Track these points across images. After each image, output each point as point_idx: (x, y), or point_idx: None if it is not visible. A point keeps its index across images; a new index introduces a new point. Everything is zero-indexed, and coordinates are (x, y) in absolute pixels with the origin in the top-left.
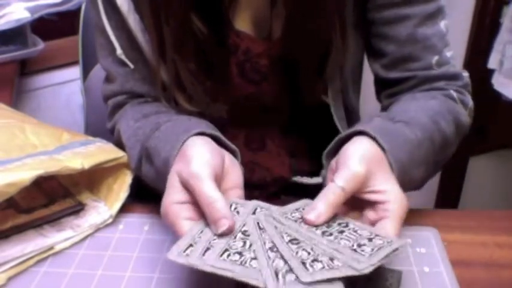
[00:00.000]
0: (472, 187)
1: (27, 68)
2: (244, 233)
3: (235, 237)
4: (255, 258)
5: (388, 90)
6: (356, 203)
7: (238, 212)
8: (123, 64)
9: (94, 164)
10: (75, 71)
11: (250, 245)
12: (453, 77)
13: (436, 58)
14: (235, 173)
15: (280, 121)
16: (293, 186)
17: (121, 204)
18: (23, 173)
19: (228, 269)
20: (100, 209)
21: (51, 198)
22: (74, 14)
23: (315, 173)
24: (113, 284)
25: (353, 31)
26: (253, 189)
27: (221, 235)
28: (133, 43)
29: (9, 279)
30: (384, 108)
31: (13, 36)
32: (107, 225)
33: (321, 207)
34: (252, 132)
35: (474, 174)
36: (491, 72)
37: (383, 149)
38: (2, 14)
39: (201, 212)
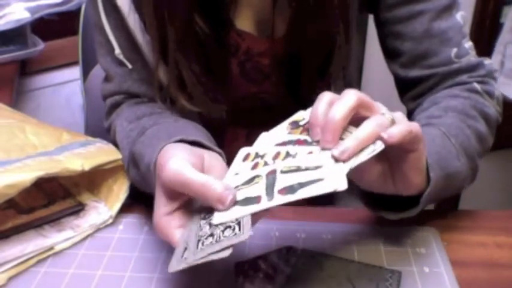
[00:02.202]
0: (472, 187)
1: (27, 68)
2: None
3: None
4: (224, 229)
5: (411, 91)
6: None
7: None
8: (121, 64)
9: (94, 165)
10: (75, 71)
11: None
12: (475, 67)
13: (455, 51)
14: (217, 171)
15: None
16: None
17: (121, 205)
18: (23, 175)
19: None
20: (100, 210)
21: (51, 198)
22: (74, 14)
23: None
24: (113, 284)
25: (356, 32)
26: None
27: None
28: (132, 43)
29: (10, 279)
30: (409, 113)
31: (13, 36)
32: (107, 226)
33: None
34: (253, 132)
35: None
36: None
37: None
38: (2, 14)
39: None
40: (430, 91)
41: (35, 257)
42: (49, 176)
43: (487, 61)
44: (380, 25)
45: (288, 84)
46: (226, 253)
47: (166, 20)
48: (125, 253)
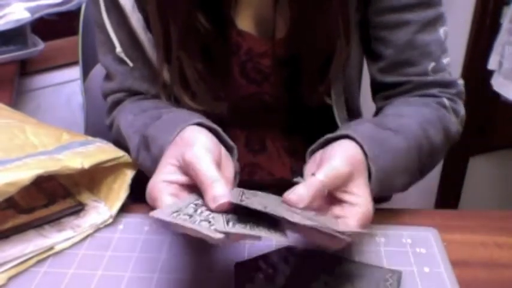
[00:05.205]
0: (472, 187)
1: (27, 68)
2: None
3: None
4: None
5: (383, 93)
6: (326, 198)
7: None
8: (122, 62)
9: (94, 163)
10: (75, 71)
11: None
12: (448, 84)
13: (432, 65)
14: (228, 169)
15: (281, 122)
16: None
17: (121, 204)
18: (23, 173)
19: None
20: (100, 209)
21: (51, 198)
22: (74, 14)
23: None
24: (113, 284)
25: (355, 31)
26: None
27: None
28: (133, 41)
29: (10, 279)
30: (378, 110)
31: (13, 36)
32: (107, 225)
33: (303, 192)
34: (252, 133)
35: (474, 174)
36: (491, 73)
37: (366, 156)
38: (2, 14)
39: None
40: (402, 95)
41: (35, 257)
42: (49, 174)
43: (460, 81)
44: (365, 27)
45: (288, 85)
46: (218, 235)
47: (169, 18)
48: (125, 253)
